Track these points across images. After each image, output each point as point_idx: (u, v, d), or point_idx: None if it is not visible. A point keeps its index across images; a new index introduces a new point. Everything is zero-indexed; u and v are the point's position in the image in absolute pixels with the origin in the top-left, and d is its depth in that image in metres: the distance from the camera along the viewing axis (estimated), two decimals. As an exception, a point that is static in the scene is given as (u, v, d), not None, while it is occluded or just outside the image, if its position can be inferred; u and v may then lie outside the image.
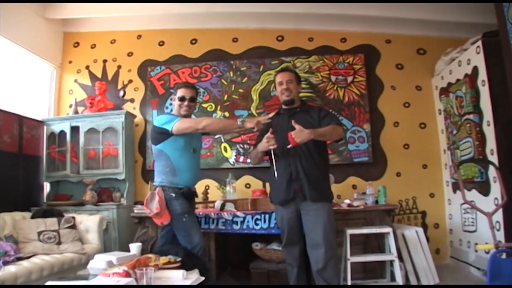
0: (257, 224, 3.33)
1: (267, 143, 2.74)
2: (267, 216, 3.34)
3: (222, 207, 3.54)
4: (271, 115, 2.95)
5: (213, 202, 3.74)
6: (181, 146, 2.95)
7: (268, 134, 2.76)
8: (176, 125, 2.87)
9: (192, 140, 3.04)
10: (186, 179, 2.98)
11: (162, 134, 2.93)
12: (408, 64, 4.83)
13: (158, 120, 3.00)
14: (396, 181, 4.59)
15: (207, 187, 4.50)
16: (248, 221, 3.36)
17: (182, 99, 3.03)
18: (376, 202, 3.76)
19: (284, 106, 3.01)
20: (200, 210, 3.65)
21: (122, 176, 4.49)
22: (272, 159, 2.83)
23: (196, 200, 3.29)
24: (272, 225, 3.30)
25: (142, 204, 3.25)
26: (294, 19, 4.88)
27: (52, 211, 3.95)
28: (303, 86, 4.40)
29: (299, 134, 2.60)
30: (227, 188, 4.08)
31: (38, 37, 4.84)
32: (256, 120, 2.83)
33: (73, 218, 3.89)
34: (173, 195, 2.89)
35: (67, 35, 5.35)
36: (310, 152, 2.82)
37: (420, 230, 3.70)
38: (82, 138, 4.56)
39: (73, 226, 3.81)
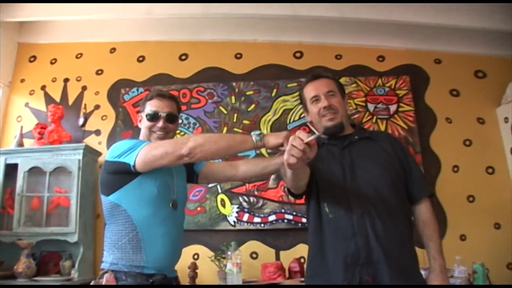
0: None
1: (290, 151, 1.33)
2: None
3: (221, 301, 2.18)
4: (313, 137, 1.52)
5: (206, 289, 2.38)
6: (152, 196, 1.71)
7: (301, 133, 1.35)
8: (142, 154, 1.64)
9: (171, 186, 1.78)
10: (159, 257, 1.69)
11: (119, 175, 1.70)
12: (465, 90, 3.70)
13: (113, 149, 1.75)
14: (461, 246, 3.30)
15: (195, 258, 3.13)
16: (264, 329, 2.01)
17: (153, 117, 1.82)
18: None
19: (324, 136, 1.80)
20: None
21: (75, 238, 3.14)
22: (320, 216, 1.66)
23: None
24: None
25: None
26: (316, 31, 3.82)
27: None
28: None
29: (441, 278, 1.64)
30: (228, 265, 2.72)
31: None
32: (286, 135, 1.56)
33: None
34: (134, 289, 1.59)
35: (22, 46, 4.20)
36: (390, 212, 1.59)
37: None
38: (20, 180, 3.24)
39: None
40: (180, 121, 2.23)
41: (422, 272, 1.68)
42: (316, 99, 1.78)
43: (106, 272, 1.66)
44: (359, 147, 1.73)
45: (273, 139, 1.60)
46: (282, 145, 1.58)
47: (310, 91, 1.81)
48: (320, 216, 1.66)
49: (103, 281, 1.63)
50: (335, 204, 1.62)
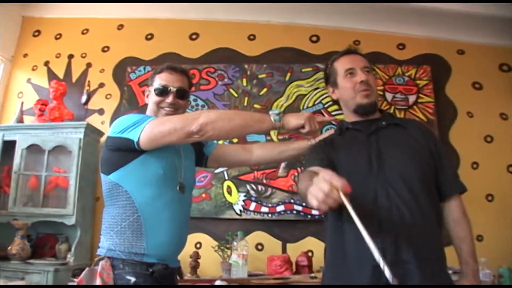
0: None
1: (321, 199, 1.07)
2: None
3: (225, 294, 2.02)
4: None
5: (210, 281, 2.21)
6: (156, 177, 1.54)
7: (325, 174, 1.09)
8: (147, 129, 1.47)
9: (178, 168, 1.62)
10: (162, 244, 1.52)
11: (121, 152, 1.54)
12: (489, 84, 3.52)
13: (116, 124, 1.58)
14: (477, 247, 3.12)
15: (198, 246, 2.98)
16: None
17: (163, 91, 1.65)
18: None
19: (354, 119, 1.62)
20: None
21: (72, 221, 2.99)
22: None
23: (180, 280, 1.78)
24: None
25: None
26: (333, 15, 3.62)
27: None
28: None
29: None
30: (234, 257, 2.55)
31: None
32: (308, 116, 1.54)
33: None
34: (133, 279, 1.43)
35: (27, 20, 4.04)
36: (420, 207, 1.39)
37: None
38: (17, 158, 3.10)
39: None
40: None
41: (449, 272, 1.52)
42: (351, 72, 1.60)
43: (102, 259, 1.50)
44: (387, 134, 1.54)
45: (294, 120, 1.46)
46: (303, 126, 1.45)
47: (344, 63, 1.63)
48: (340, 208, 1.48)
49: (98, 269, 1.48)
50: (358, 196, 1.45)
